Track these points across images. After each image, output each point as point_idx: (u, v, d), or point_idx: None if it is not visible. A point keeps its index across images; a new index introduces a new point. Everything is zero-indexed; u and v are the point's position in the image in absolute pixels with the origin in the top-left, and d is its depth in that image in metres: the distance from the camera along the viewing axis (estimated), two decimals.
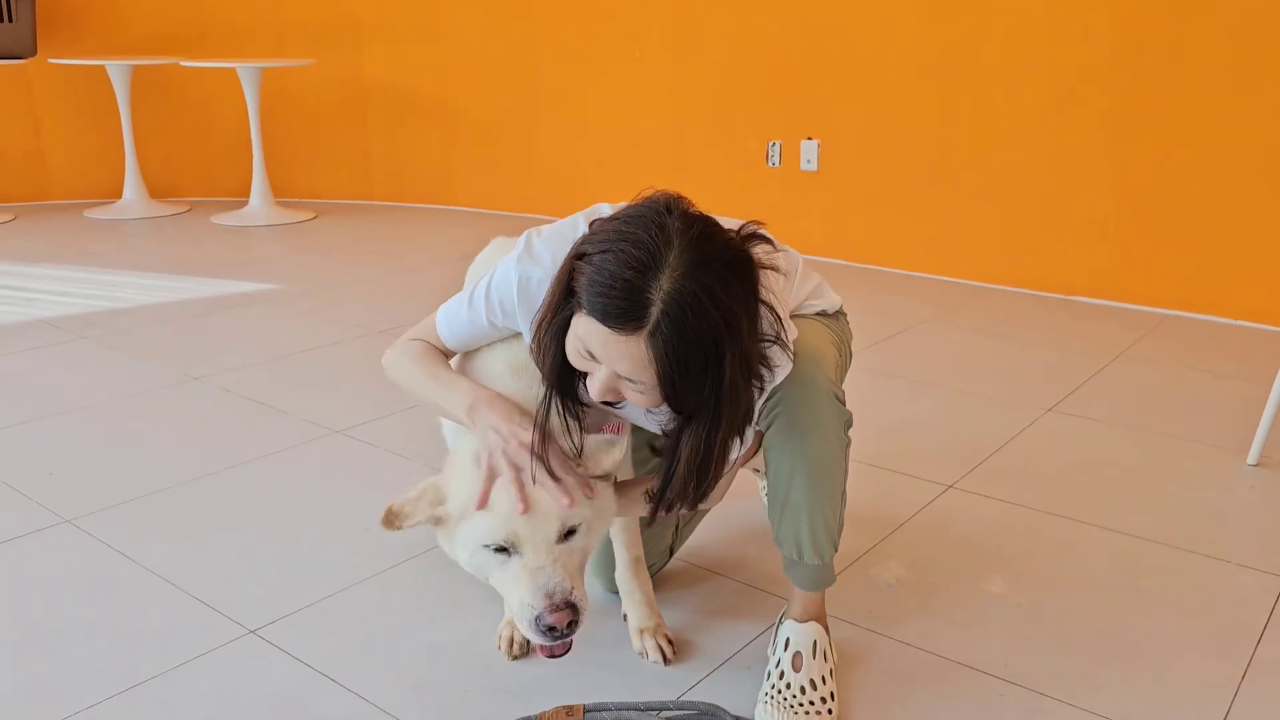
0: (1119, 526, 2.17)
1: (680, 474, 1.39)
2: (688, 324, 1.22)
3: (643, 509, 1.56)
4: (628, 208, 1.32)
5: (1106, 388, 2.99)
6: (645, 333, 1.23)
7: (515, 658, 1.70)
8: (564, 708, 1.55)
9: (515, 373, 1.51)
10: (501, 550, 1.37)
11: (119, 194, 5.53)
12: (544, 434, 1.39)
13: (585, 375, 1.36)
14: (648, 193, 1.34)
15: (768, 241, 1.38)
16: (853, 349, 1.80)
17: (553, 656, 1.42)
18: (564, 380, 1.41)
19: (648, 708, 1.55)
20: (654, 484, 1.46)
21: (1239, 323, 3.63)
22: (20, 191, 5.59)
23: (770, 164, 4.49)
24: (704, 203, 1.34)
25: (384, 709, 1.57)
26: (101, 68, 5.37)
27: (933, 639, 1.77)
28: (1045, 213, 3.95)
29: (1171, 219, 3.70)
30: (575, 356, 1.34)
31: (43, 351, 3.23)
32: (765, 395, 1.46)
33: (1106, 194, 3.81)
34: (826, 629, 1.65)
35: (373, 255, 4.61)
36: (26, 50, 5.17)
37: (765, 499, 2.23)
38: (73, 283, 4.05)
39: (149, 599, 1.87)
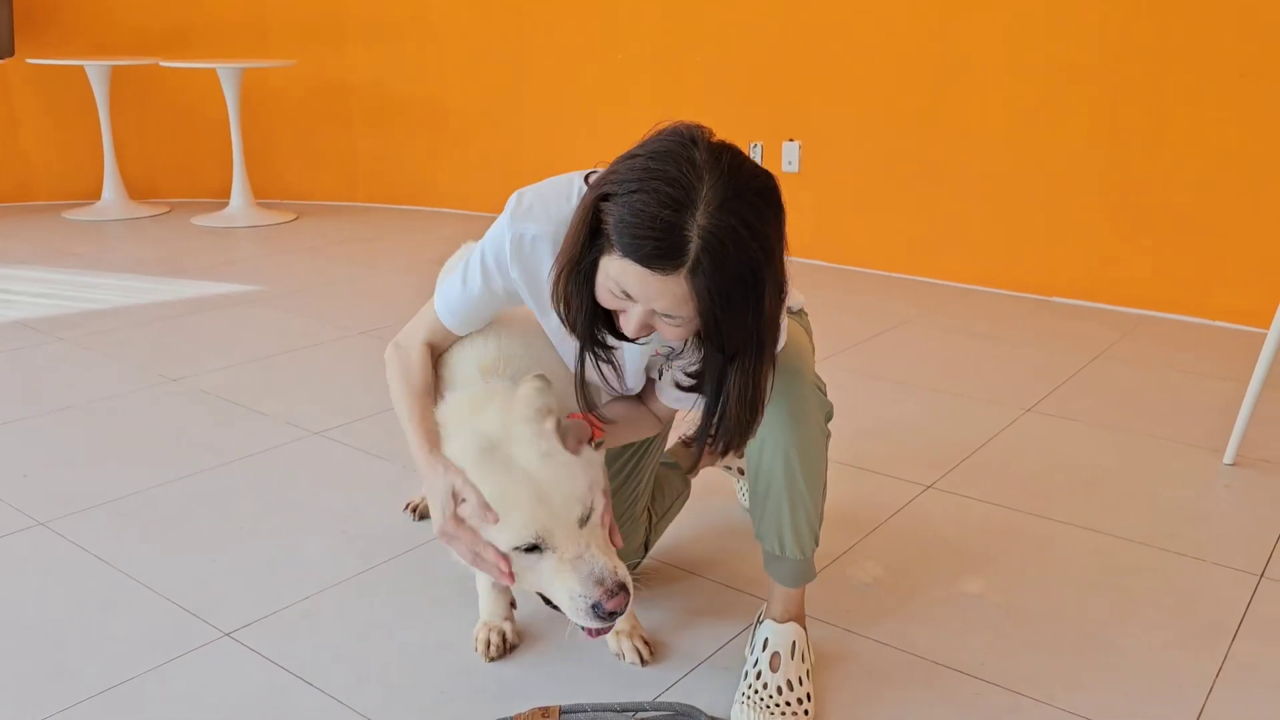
0: (1096, 526, 2.18)
1: (733, 412, 1.37)
2: (728, 258, 1.22)
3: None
4: (650, 142, 1.28)
5: (1086, 388, 3.01)
6: (685, 270, 1.22)
7: (492, 659, 1.70)
8: (540, 709, 1.54)
9: (485, 374, 1.50)
10: (532, 549, 1.34)
11: (98, 195, 5.50)
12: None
13: (610, 316, 1.35)
14: (664, 125, 1.31)
15: None
16: (835, 350, 1.81)
17: (599, 636, 1.40)
18: (594, 326, 1.38)
19: (624, 709, 1.55)
20: (695, 430, 1.42)
21: (1217, 323, 3.66)
22: None
23: None
24: None
25: (360, 712, 1.57)
26: (80, 68, 5.33)
27: (910, 639, 1.78)
28: (1027, 214, 3.96)
29: (1152, 220, 3.72)
30: (607, 297, 1.32)
31: (20, 353, 3.21)
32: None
33: (1088, 195, 3.83)
34: (805, 629, 1.66)
35: (355, 257, 4.59)
36: (4, 50, 5.13)
37: (743, 497, 2.24)
38: (51, 284, 4.02)
39: (124, 602, 1.85)
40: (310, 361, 3.18)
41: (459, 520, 1.36)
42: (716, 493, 2.29)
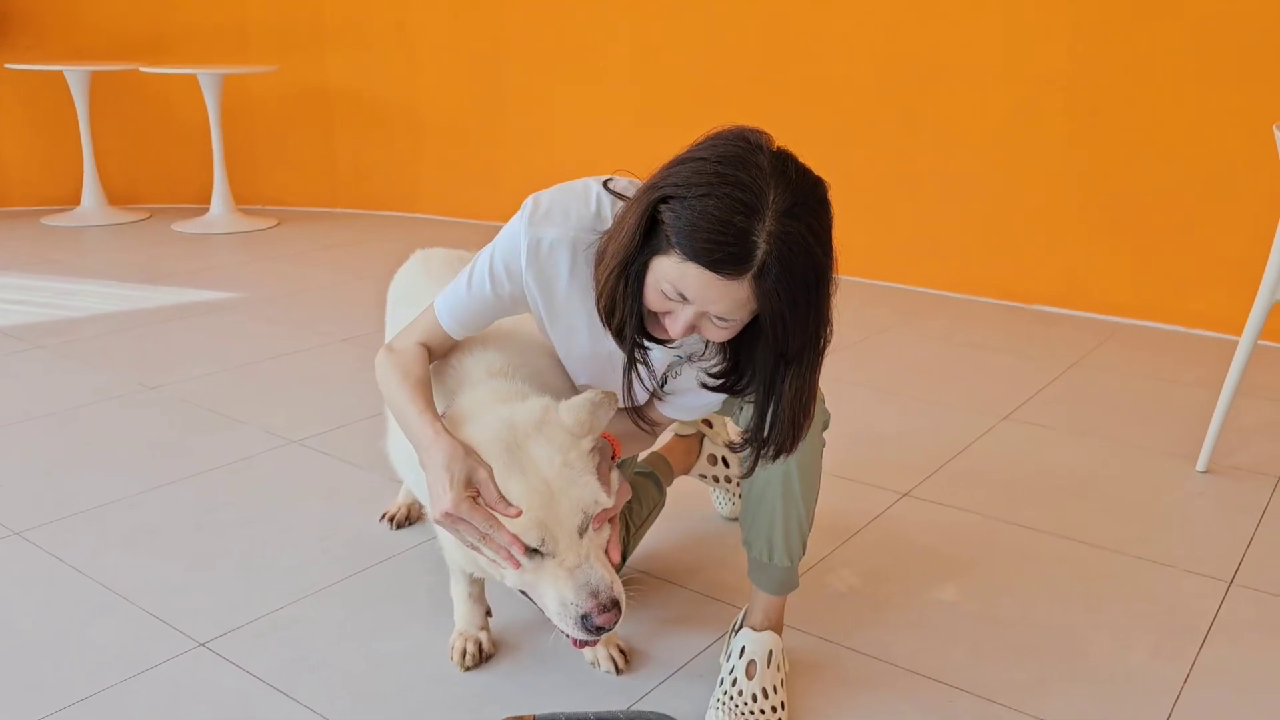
0: (1070, 533, 2.20)
1: (786, 414, 1.37)
2: (796, 263, 1.23)
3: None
4: (712, 146, 1.28)
5: (1063, 395, 3.03)
6: (751, 275, 1.24)
7: (468, 668, 1.70)
8: (515, 718, 1.54)
9: (493, 378, 1.50)
10: (532, 551, 1.33)
11: (77, 201, 5.47)
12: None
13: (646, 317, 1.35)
14: (720, 129, 1.31)
15: None
16: None
17: (583, 648, 1.40)
18: (640, 328, 1.37)
19: (598, 717, 1.55)
20: (746, 433, 1.43)
21: (1193, 331, 3.69)
22: None
23: None
24: None
25: None
26: (59, 73, 5.31)
27: (884, 647, 1.79)
28: (1005, 221, 3.99)
29: (1128, 228, 3.76)
30: (657, 298, 1.32)
31: None
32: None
33: (1066, 204, 3.86)
34: (781, 638, 1.66)
35: (336, 263, 4.58)
36: None
37: (719, 506, 2.25)
38: (29, 291, 4.00)
39: (98, 612, 1.85)
40: (290, 369, 3.17)
41: (473, 499, 1.34)
42: (693, 501, 2.30)
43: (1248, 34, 3.39)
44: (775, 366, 1.35)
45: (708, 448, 2.17)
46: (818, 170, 1.32)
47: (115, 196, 5.61)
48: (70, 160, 5.50)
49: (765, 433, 1.40)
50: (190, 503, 2.28)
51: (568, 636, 1.37)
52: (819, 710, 1.62)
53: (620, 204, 1.44)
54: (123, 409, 2.81)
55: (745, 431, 1.44)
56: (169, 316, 3.70)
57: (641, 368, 1.44)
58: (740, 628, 1.68)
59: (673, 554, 2.09)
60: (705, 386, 1.47)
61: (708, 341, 1.43)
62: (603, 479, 1.41)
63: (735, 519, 2.22)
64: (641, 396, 1.59)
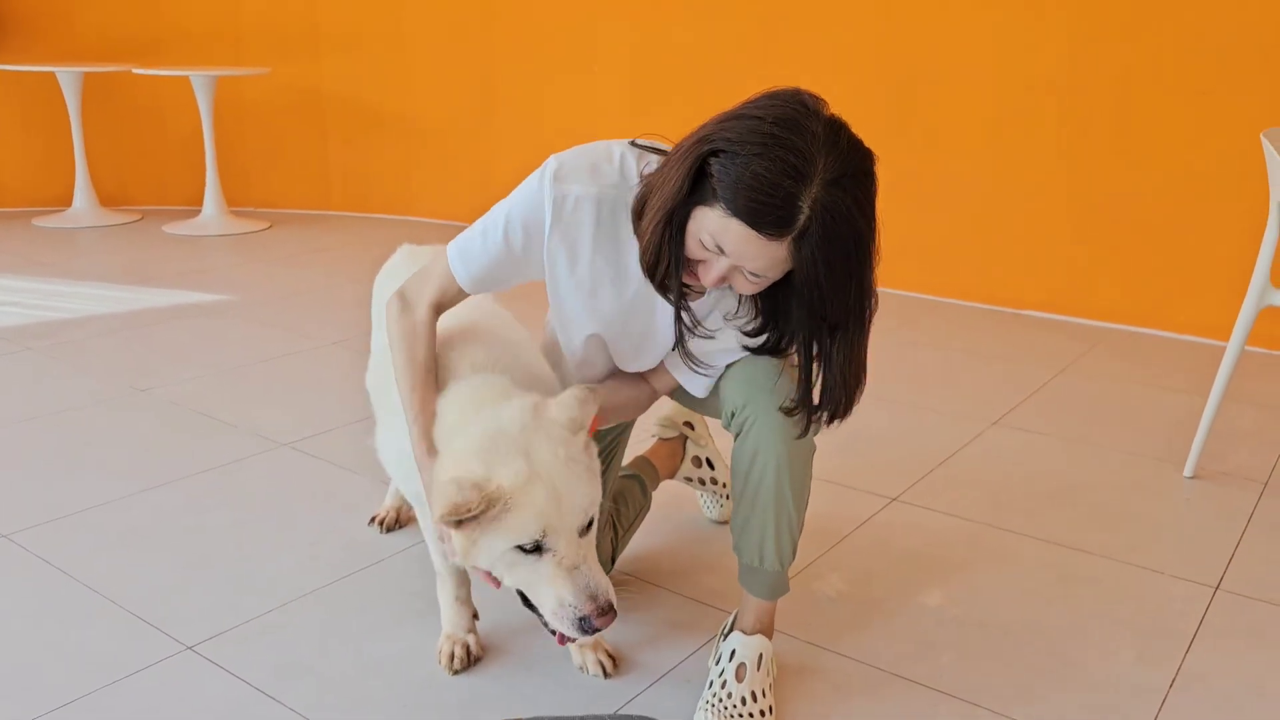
0: (1057, 538, 2.21)
1: (837, 382, 1.41)
2: (838, 231, 1.26)
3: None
4: (767, 106, 1.30)
5: (1052, 401, 3.04)
6: (791, 238, 1.26)
7: (456, 672, 1.70)
8: None
9: (475, 369, 1.51)
10: (532, 549, 1.33)
11: (69, 202, 5.46)
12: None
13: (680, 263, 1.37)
14: (776, 89, 1.33)
15: None
16: None
17: (566, 644, 1.42)
18: (679, 276, 1.38)
19: None
20: (793, 398, 1.46)
21: (1182, 337, 3.71)
22: None
23: None
24: None
25: None
26: (52, 74, 5.30)
27: (871, 651, 1.79)
28: (996, 227, 4.00)
29: (1118, 234, 3.77)
30: (695, 247, 1.34)
31: None
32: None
33: (1056, 209, 3.87)
34: (771, 642, 1.67)
35: (328, 266, 4.58)
36: None
37: (707, 510, 2.26)
38: (20, 292, 3.99)
39: (86, 615, 1.85)
40: (281, 372, 3.17)
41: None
42: (682, 506, 2.31)
43: (1236, 42, 3.41)
44: (815, 329, 1.39)
45: (691, 450, 2.17)
46: None
47: (107, 198, 5.60)
48: (62, 161, 5.49)
49: (817, 398, 1.43)
50: (180, 506, 2.27)
51: (552, 632, 1.38)
52: (806, 714, 1.62)
53: (648, 160, 1.46)
54: (113, 411, 2.81)
55: (791, 399, 1.48)
56: (160, 319, 3.69)
57: (687, 316, 1.45)
58: (730, 631, 1.69)
59: (661, 558, 2.10)
60: (746, 348, 1.51)
61: (740, 298, 1.47)
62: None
63: (723, 522, 2.22)
64: (653, 360, 1.61)
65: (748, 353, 1.53)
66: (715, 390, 1.63)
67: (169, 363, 3.21)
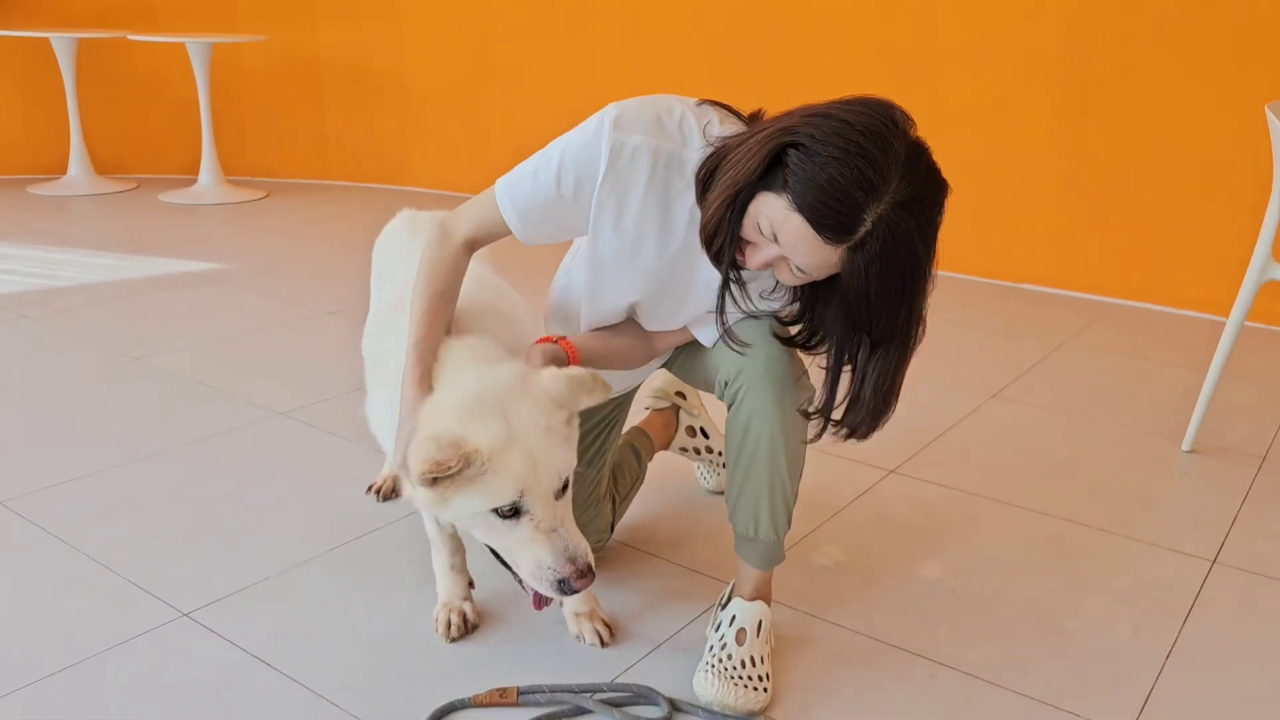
0: (1055, 511, 2.21)
1: (867, 398, 1.41)
2: (895, 253, 1.27)
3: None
4: (856, 110, 1.29)
5: (1050, 375, 3.03)
6: (847, 246, 1.27)
7: (452, 639, 1.70)
8: (497, 690, 1.55)
9: (476, 359, 1.49)
10: (510, 514, 1.33)
11: (64, 170, 5.42)
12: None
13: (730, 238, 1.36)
14: (870, 96, 1.33)
15: None
16: None
17: (542, 608, 1.42)
18: (730, 249, 1.38)
19: (581, 689, 1.55)
20: (819, 404, 1.45)
21: (1181, 312, 3.70)
22: None
23: None
24: None
25: (318, 692, 1.57)
26: (46, 40, 5.24)
27: (867, 622, 1.79)
28: (995, 202, 3.98)
29: (1118, 209, 3.75)
30: (751, 229, 1.34)
31: None
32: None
33: (1054, 184, 3.85)
34: (770, 609, 1.67)
35: (324, 236, 4.56)
36: None
37: (704, 480, 2.25)
38: (14, 260, 3.97)
39: (81, 582, 1.84)
40: (277, 341, 3.16)
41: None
42: (678, 476, 2.30)
43: (1238, 15, 3.38)
44: (850, 339, 1.39)
45: (684, 420, 2.17)
46: None
47: (102, 166, 5.56)
48: (57, 129, 5.44)
49: (844, 408, 1.43)
50: (175, 474, 2.27)
51: (532, 598, 1.40)
52: (802, 683, 1.62)
53: (709, 119, 1.44)
54: (108, 379, 2.80)
55: (813, 404, 1.48)
56: (155, 287, 3.67)
57: (739, 288, 1.44)
58: (729, 600, 1.69)
59: (658, 528, 2.10)
60: (775, 335, 1.51)
61: (776, 282, 1.47)
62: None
63: (719, 492, 2.22)
64: (684, 320, 1.61)
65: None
66: (707, 360, 1.62)
67: (164, 331, 3.20)
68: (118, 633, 1.69)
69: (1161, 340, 3.39)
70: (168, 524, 2.05)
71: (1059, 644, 1.74)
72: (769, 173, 1.30)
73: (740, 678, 1.56)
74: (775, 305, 1.53)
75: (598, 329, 1.65)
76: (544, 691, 1.54)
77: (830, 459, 2.40)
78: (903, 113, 1.32)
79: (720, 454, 2.20)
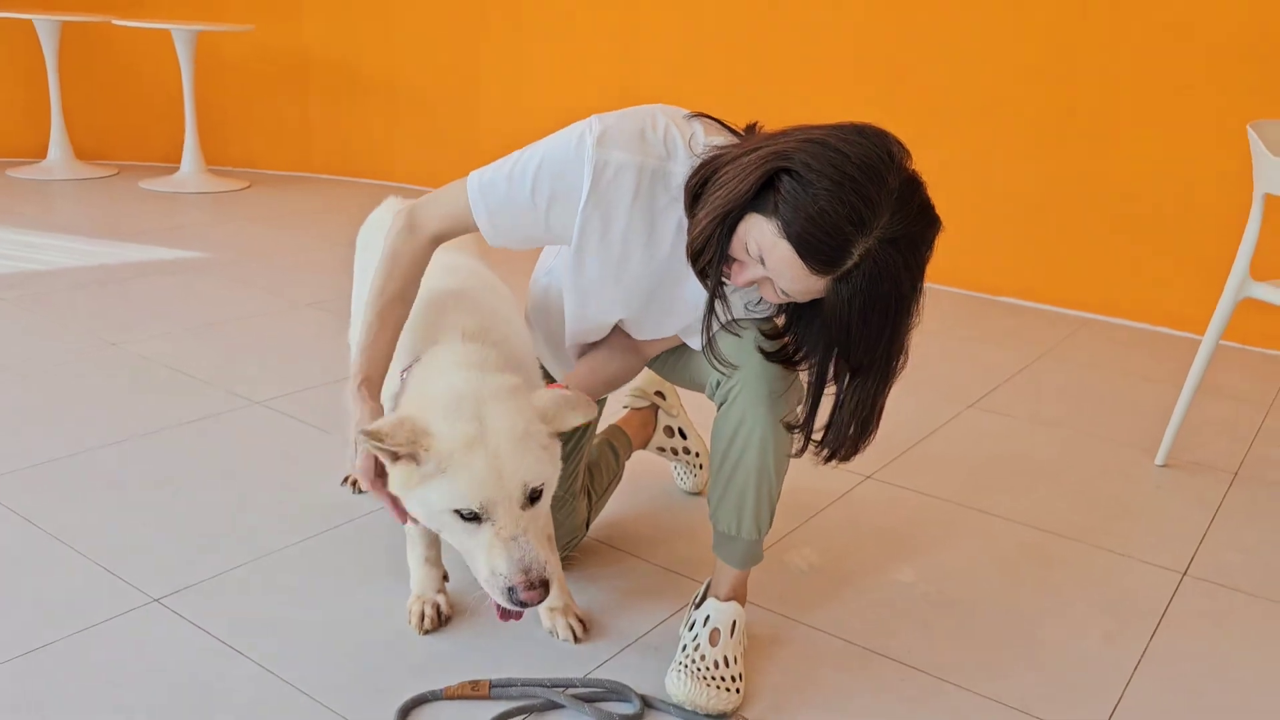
0: (1029, 520, 2.22)
1: (844, 423, 1.42)
2: (879, 288, 1.27)
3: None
4: (851, 139, 1.28)
5: (1028, 386, 3.05)
6: (832, 277, 1.27)
7: (426, 632, 1.69)
8: (470, 682, 1.54)
9: (458, 366, 1.48)
10: (471, 517, 1.31)
11: (44, 154, 5.37)
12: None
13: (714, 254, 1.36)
14: (866, 125, 1.32)
15: None
16: None
17: (507, 620, 1.39)
18: (717, 268, 1.37)
19: (554, 684, 1.55)
20: (802, 416, 1.46)
21: (1158, 328, 3.73)
22: None
23: None
24: None
25: (289, 681, 1.55)
26: (29, 22, 5.20)
27: (840, 624, 1.80)
28: (977, 215, 4.00)
29: (1099, 225, 3.78)
30: (738, 248, 1.34)
31: None
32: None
33: (1037, 198, 3.88)
34: (744, 610, 1.67)
35: (305, 227, 4.53)
36: None
37: (680, 481, 2.25)
38: None
39: (50, 565, 1.82)
40: (255, 331, 3.14)
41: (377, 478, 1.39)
42: (656, 475, 2.30)
43: (1219, 35, 3.42)
44: (831, 358, 1.39)
45: (663, 419, 2.17)
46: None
47: (83, 151, 5.51)
48: (38, 112, 5.39)
49: (824, 429, 1.44)
50: (149, 460, 2.25)
51: (496, 609, 1.37)
52: (775, 685, 1.63)
53: (693, 131, 1.43)
54: (83, 365, 2.77)
55: (796, 419, 1.49)
56: (134, 274, 3.64)
57: (720, 305, 1.44)
58: (703, 599, 1.68)
59: (634, 526, 2.09)
60: (760, 349, 1.50)
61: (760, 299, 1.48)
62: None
63: (697, 493, 2.22)
64: (667, 331, 1.61)
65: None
66: (698, 360, 1.62)
67: (141, 318, 3.17)
68: (87, 616, 1.68)
69: (1139, 356, 3.42)
70: (140, 510, 2.03)
71: (1030, 650, 1.75)
72: (760, 194, 1.30)
73: (713, 678, 1.55)
74: (759, 317, 1.53)
75: (589, 357, 1.66)
76: (516, 685, 1.54)
77: (807, 463, 2.40)
78: (900, 145, 1.31)
79: (698, 455, 2.20)
